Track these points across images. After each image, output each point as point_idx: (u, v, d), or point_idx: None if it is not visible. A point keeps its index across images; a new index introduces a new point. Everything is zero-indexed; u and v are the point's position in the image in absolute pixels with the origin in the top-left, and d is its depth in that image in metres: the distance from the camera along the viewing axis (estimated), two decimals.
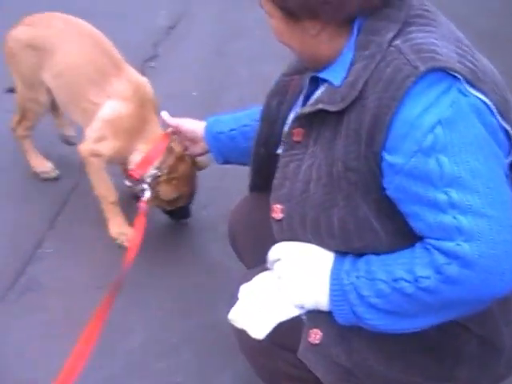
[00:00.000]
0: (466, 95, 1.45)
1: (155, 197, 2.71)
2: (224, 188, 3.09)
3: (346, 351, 1.66)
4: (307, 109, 1.64)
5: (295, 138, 1.69)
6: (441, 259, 1.41)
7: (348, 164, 1.54)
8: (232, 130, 2.25)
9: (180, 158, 2.67)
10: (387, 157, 1.48)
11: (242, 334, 1.75)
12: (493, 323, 1.66)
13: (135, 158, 2.73)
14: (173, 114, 2.58)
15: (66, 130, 3.31)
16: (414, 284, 1.45)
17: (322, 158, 1.61)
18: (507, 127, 1.51)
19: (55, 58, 2.81)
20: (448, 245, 1.40)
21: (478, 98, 1.46)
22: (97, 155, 2.76)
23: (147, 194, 2.61)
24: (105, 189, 2.85)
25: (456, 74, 1.45)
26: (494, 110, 1.48)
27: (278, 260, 1.73)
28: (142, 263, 2.78)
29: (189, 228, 3.05)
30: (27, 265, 2.82)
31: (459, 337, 1.65)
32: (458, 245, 1.39)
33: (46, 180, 3.21)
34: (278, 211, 1.72)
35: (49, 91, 2.94)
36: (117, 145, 2.73)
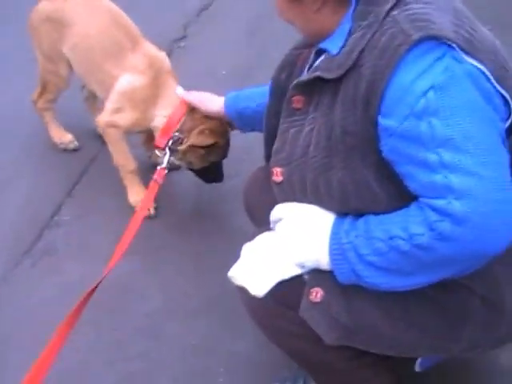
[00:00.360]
0: (460, 62, 1.47)
1: (187, 152, 2.69)
2: (251, 160, 2.97)
3: (347, 309, 1.67)
4: (305, 77, 1.68)
5: (295, 105, 1.73)
6: (433, 216, 1.44)
7: (346, 128, 1.57)
8: (258, 105, 2.27)
9: (206, 116, 2.63)
10: (382, 120, 1.50)
11: (245, 293, 1.76)
12: (495, 283, 1.67)
13: (158, 124, 2.72)
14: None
15: None
16: (408, 241, 1.47)
17: (321, 123, 1.64)
18: (504, 93, 1.52)
19: (72, 30, 2.81)
20: (439, 202, 1.43)
21: (472, 64, 1.48)
22: (114, 126, 2.77)
23: (165, 160, 2.60)
24: (123, 158, 2.86)
25: (450, 43, 1.46)
26: (490, 77, 1.49)
27: (280, 220, 1.76)
28: (163, 228, 2.83)
29: (213, 197, 3.03)
30: (44, 230, 2.82)
31: (461, 296, 1.66)
32: (449, 202, 1.41)
33: (65, 151, 3.22)
34: (278, 174, 1.76)
35: (69, 64, 2.94)
36: (134, 116, 2.73)
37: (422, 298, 1.64)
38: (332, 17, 1.63)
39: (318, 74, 1.62)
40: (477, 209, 1.39)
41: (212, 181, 2.88)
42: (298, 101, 1.72)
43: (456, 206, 1.40)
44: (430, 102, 1.43)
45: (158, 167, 2.58)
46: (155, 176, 2.51)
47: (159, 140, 2.69)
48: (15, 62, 3.75)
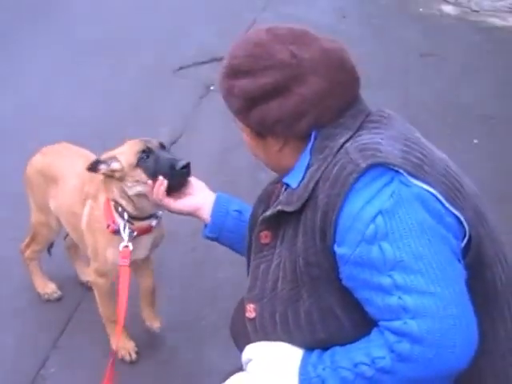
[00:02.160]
0: (407, 185, 1.54)
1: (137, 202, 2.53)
2: (224, 296, 3.09)
3: None
4: (269, 212, 1.76)
5: (263, 241, 1.79)
6: (391, 338, 1.48)
7: (308, 259, 1.64)
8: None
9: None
10: (337, 249, 1.57)
11: None
12: None
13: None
14: None
15: (83, 275, 3.29)
16: (372, 366, 1.50)
17: (286, 255, 1.70)
18: (456, 213, 1.58)
19: (58, 186, 2.88)
20: (396, 324, 1.47)
21: (421, 187, 1.54)
22: (102, 275, 2.73)
23: (125, 234, 2.50)
24: (108, 310, 2.83)
25: (396, 168, 1.54)
26: (441, 198, 1.56)
27: (250, 360, 1.80)
28: (142, 375, 2.83)
29: (187, 337, 3.04)
30: None
31: None
32: (404, 323, 1.45)
33: (48, 301, 3.23)
34: (251, 310, 1.81)
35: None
36: (112, 251, 2.61)
37: None
38: (292, 155, 1.75)
39: (279, 208, 1.70)
40: (432, 326, 1.43)
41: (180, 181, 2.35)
42: (265, 236, 1.79)
43: (412, 325, 1.44)
44: (378, 227, 1.50)
45: (121, 246, 2.48)
46: (121, 260, 2.44)
47: (110, 225, 2.56)
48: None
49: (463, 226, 1.59)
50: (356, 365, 1.53)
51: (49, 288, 3.25)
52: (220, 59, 5.15)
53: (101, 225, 2.62)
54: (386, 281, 1.49)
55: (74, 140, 3.14)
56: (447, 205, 1.56)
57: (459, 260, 1.57)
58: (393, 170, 1.54)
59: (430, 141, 1.76)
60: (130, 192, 2.50)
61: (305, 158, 1.70)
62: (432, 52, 5.79)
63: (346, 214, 1.54)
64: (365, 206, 1.52)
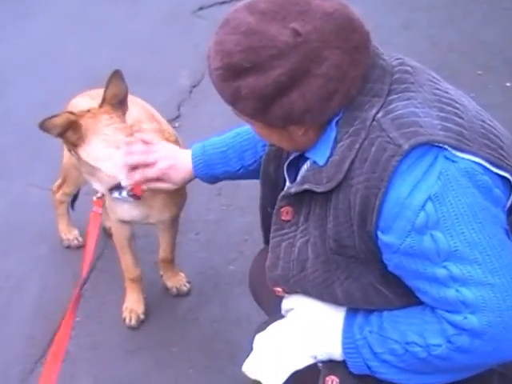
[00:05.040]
0: (453, 161, 1.43)
1: None
2: (253, 241, 3.01)
3: None
4: (293, 188, 1.62)
5: (284, 217, 1.68)
6: (450, 330, 1.44)
7: (341, 242, 1.55)
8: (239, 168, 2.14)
9: None
10: (382, 236, 1.48)
11: None
12: None
13: None
14: None
15: (107, 221, 3.16)
16: (426, 350, 1.48)
17: (316, 234, 1.60)
18: (506, 174, 1.49)
19: None
20: (455, 318, 1.43)
21: (467, 160, 1.44)
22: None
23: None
24: (125, 264, 2.75)
25: (441, 145, 1.43)
26: (488, 166, 1.46)
27: (292, 309, 1.76)
28: (171, 321, 2.82)
29: (218, 283, 2.99)
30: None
31: (480, 373, 1.59)
32: (465, 318, 1.41)
33: (69, 247, 3.19)
34: (280, 292, 1.76)
35: None
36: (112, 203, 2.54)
37: None
38: (317, 133, 1.57)
39: (306, 186, 1.57)
40: (493, 320, 1.40)
41: None
42: (286, 212, 1.67)
43: (472, 320, 1.40)
44: (429, 214, 1.41)
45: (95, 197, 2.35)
46: (94, 207, 2.31)
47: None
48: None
49: (509, 186, 1.50)
50: (408, 343, 1.50)
51: (71, 234, 3.21)
52: None
53: None
54: (440, 272, 1.42)
55: (92, 85, 3.01)
56: (495, 170, 1.47)
57: (508, 233, 1.50)
58: (436, 146, 1.43)
59: (460, 82, 1.63)
60: None
61: (331, 132, 1.54)
62: None
63: (391, 200, 1.43)
64: (412, 192, 1.41)
